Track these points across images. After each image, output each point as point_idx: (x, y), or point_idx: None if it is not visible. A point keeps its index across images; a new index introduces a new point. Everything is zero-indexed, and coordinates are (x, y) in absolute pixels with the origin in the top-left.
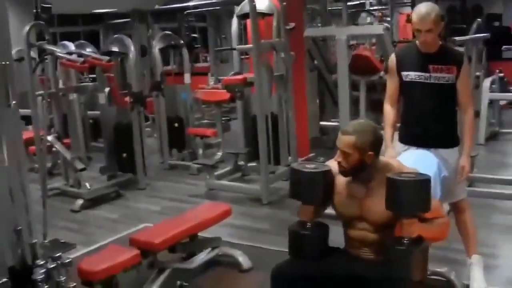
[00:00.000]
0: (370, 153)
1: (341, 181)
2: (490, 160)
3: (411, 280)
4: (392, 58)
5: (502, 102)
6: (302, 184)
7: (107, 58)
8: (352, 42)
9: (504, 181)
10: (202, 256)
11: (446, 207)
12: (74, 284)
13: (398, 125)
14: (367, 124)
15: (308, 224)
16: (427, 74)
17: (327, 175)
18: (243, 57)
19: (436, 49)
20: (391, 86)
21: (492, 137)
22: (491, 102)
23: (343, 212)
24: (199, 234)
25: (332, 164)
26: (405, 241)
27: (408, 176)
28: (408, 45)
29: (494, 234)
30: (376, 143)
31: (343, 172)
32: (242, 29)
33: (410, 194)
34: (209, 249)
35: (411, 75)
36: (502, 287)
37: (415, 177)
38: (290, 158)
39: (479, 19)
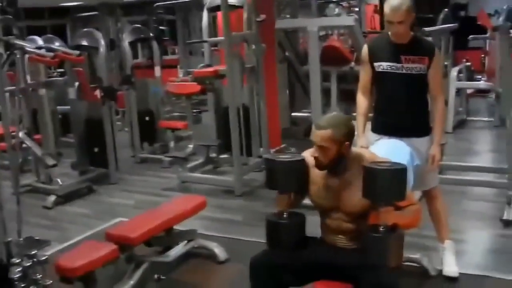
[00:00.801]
0: (346, 143)
1: (316, 172)
2: (458, 148)
3: (387, 266)
4: (365, 49)
5: (469, 91)
6: (277, 173)
7: (77, 52)
8: (321, 33)
9: (472, 168)
10: (178, 249)
11: (417, 194)
12: (51, 281)
13: (371, 115)
14: (339, 116)
15: (285, 213)
16: (399, 65)
17: (302, 164)
18: (213, 49)
19: (408, 40)
20: (364, 76)
21: (460, 125)
22: (458, 91)
23: (319, 202)
24: (175, 227)
25: (306, 155)
26: (381, 229)
27: (385, 165)
28: (380, 36)
29: (464, 220)
30: (351, 133)
31: (321, 166)
32: (212, 21)
33: (388, 182)
34: (185, 241)
35: (383, 66)
36: (472, 271)
37: (392, 166)
38: (261, 149)
39: (445, 9)
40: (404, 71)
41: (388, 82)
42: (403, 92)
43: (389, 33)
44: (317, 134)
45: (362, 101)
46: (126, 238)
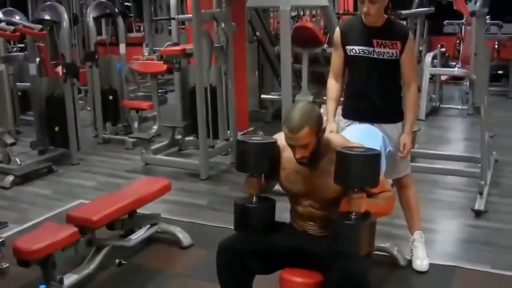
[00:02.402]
0: (322, 128)
1: (287, 156)
2: (431, 136)
3: (358, 254)
4: (337, 32)
5: (443, 77)
6: (248, 155)
7: (39, 26)
8: (292, 14)
9: (444, 156)
10: (141, 233)
11: (389, 181)
12: (7, 264)
13: (341, 99)
14: (306, 107)
15: (254, 197)
16: (371, 49)
17: (274, 147)
18: (181, 27)
19: (381, 23)
20: (336, 60)
21: (433, 112)
22: (432, 77)
23: (289, 188)
24: (138, 210)
25: (278, 138)
26: (353, 216)
27: (358, 150)
28: (353, 18)
29: (435, 209)
30: (322, 118)
31: (306, 162)
32: None
33: (361, 168)
34: (148, 226)
35: (355, 50)
36: (442, 262)
37: (366, 151)
38: (229, 132)
39: None
40: (375, 56)
41: (359, 67)
42: (374, 77)
43: (362, 15)
44: (296, 137)
45: (333, 85)
46: (87, 221)
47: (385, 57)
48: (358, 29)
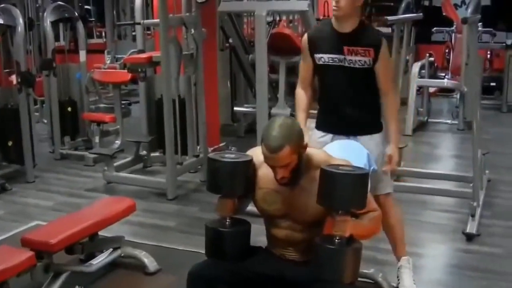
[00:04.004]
0: (304, 145)
1: (263, 174)
2: (419, 153)
3: (341, 282)
4: (304, 39)
5: (431, 89)
6: (221, 175)
7: None
8: (268, 19)
9: (433, 175)
10: (103, 258)
11: None
12: None
13: (313, 111)
14: (285, 123)
15: (227, 220)
16: (342, 57)
17: (249, 165)
18: (146, 32)
19: (352, 28)
20: (304, 69)
21: (420, 127)
22: (420, 89)
23: (266, 209)
24: (99, 233)
25: (254, 154)
26: (336, 240)
27: (346, 169)
28: (322, 23)
29: (423, 232)
30: (302, 134)
31: (287, 182)
32: (146, 1)
33: (349, 189)
34: (111, 249)
35: (324, 58)
36: None
37: (353, 170)
38: (198, 147)
39: None
40: (347, 64)
41: (330, 77)
42: (346, 87)
43: (332, 19)
44: (277, 158)
45: (301, 96)
46: (44, 244)
47: (357, 65)
48: (328, 36)
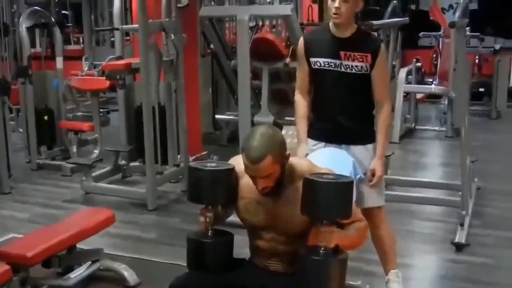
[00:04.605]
0: (287, 155)
1: (245, 183)
2: (406, 160)
3: None
4: (301, 42)
5: (418, 95)
6: (202, 184)
7: None
8: (251, 24)
9: (421, 183)
10: (81, 271)
11: None
12: None
13: None
14: (266, 132)
15: (210, 231)
16: (338, 62)
17: (231, 174)
18: (125, 38)
19: (350, 33)
20: (301, 74)
21: (407, 134)
22: (407, 95)
23: (249, 219)
24: (77, 245)
25: (236, 163)
26: (321, 251)
27: (329, 177)
28: (319, 27)
29: (412, 242)
30: (285, 144)
31: (269, 192)
32: (125, 6)
33: (332, 197)
34: (89, 262)
35: (319, 62)
36: None
37: (337, 178)
38: (179, 156)
39: (394, 1)
40: (343, 69)
41: (325, 82)
42: (341, 93)
43: (330, 24)
44: (258, 169)
45: (300, 102)
46: (21, 257)
47: (354, 71)
48: (324, 40)
